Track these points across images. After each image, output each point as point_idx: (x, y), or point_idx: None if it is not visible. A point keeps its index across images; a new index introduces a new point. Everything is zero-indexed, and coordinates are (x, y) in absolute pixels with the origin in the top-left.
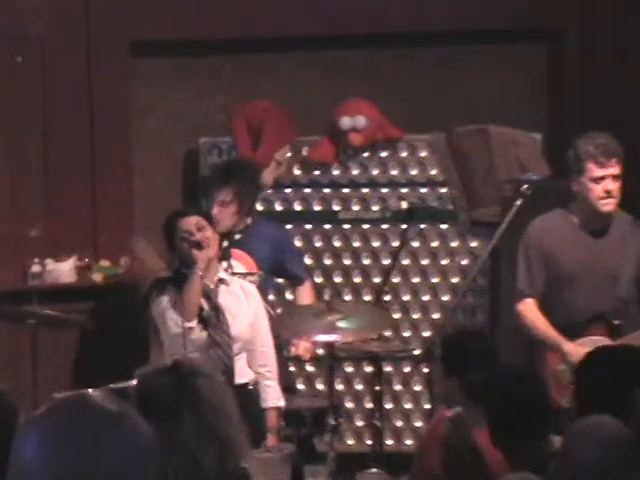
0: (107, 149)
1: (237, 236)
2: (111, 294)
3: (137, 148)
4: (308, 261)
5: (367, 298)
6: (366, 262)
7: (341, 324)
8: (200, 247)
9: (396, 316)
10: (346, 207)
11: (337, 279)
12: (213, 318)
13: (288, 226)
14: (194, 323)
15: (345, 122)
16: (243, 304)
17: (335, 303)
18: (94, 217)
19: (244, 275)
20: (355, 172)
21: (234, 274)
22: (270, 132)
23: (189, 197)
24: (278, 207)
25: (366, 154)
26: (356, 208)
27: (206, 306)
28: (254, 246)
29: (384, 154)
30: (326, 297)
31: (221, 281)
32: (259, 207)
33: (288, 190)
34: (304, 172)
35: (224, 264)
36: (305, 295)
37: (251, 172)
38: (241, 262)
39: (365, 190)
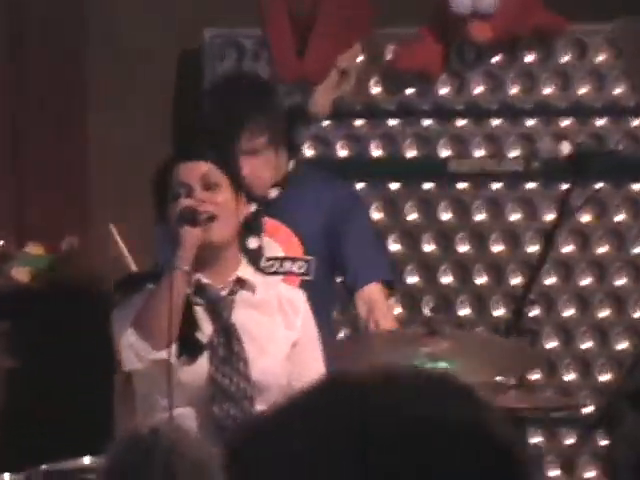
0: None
1: (272, 193)
2: (45, 302)
3: (94, 54)
4: (393, 246)
5: (497, 313)
6: (496, 248)
7: (448, 361)
8: (194, 220)
9: (550, 346)
10: (461, 152)
11: (444, 278)
12: (221, 349)
13: (358, 185)
14: (165, 354)
15: (460, 2)
16: (278, 325)
17: (439, 322)
18: (18, 181)
19: (280, 261)
20: (477, 91)
21: (259, 252)
22: (327, 21)
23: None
24: (341, 152)
25: (497, 59)
26: (479, 154)
27: (208, 327)
28: (298, 215)
29: (530, 59)
30: (424, 310)
31: (239, 283)
32: (307, 151)
33: (359, 122)
34: (388, 91)
35: (252, 242)
36: (382, 307)
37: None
38: (277, 239)
39: (496, 122)
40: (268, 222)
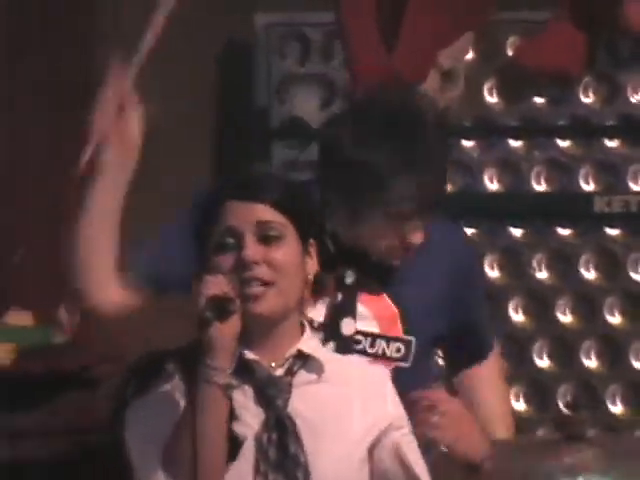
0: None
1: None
2: (35, 391)
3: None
4: (516, 316)
5: None
6: None
7: (596, 476)
8: (226, 312)
9: None
10: (614, 186)
11: (586, 360)
12: (272, 450)
13: (469, 230)
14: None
15: None
16: (354, 418)
17: (581, 422)
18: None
19: (372, 339)
20: (635, 99)
21: (353, 337)
22: (425, 1)
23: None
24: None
25: None
26: (638, 188)
27: (255, 419)
28: (408, 283)
29: None
30: (560, 404)
31: (300, 360)
32: None
33: (469, 143)
34: (509, 100)
35: (346, 326)
36: (494, 388)
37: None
38: (371, 309)
39: None
40: (364, 294)
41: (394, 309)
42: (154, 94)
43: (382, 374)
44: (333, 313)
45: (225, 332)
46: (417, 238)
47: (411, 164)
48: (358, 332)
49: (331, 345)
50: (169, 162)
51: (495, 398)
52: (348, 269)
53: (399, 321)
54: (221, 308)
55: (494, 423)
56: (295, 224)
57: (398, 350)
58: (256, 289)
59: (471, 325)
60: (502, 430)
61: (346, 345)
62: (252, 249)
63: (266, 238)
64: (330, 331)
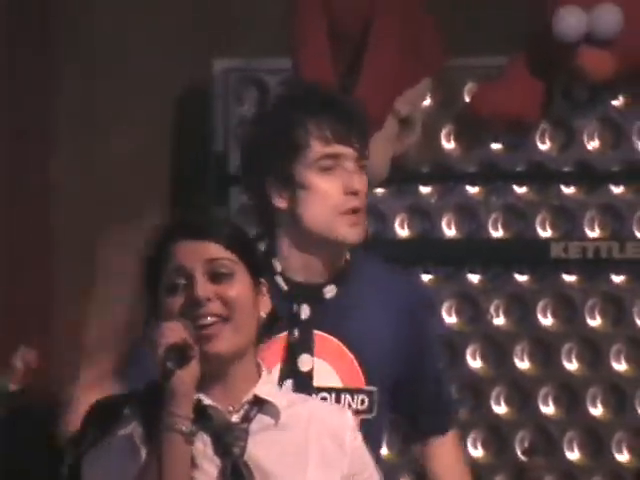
0: None
1: (328, 292)
2: None
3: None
4: (473, 363)
5: (621, 457)
6: (619, 366)
7: None
8: (186, 358)
9: None
10: (569, 232)
11: (544, 407)
12: None
13: (426, 276)
14: None
15: (569, 23)
16: (314, 465)
17: (538, 468)
18: None
19: (336, 394)
20: (591, 146)
21: (315, 390)
22: (383, 47)
23: (190, 192)
24: (402, 230)
25: (618, 102)
26: (594, 234)
27: (212, 468)
28: (359, 326)
29: None
30: (517, 450)
31: (257, 405)
32: None
33: (426, 189)
34: (466, 147)
35: (304, 362)
36: (451, 457)
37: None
38: (330, 361)
39: (618, 190)
40: (318, 336)
41: (353, 357)
42: (112, 135)
43: (342, 418)
44: (290, 350)
45: (186, 379)
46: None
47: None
48: (321, 388)
49: (289, 383)
50: (125, 206)
51: (459, 475)
52: (303, 304)
53: (360, 371)
54: (180, 355)
55: None
56: (245, 261)
57: (362, 402)
58: (212, 328)
59: (427, 383)
60: None
61: (304, 382)
62: (203, 286)
63: (217, 276)
64: (288, 369)
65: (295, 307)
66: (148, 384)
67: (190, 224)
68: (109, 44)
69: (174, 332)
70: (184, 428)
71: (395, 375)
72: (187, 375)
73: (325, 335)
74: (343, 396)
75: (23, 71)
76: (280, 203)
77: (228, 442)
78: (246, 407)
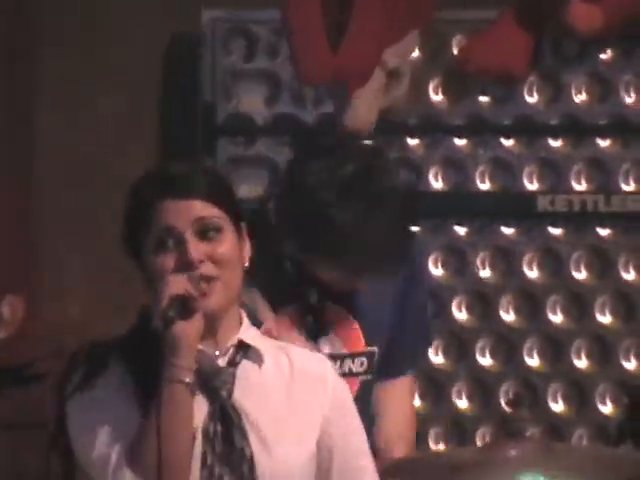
0: None
1: None
2: None
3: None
4: (459, 314)
5: (605, 409)
6: (604, 318)
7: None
8: (190, 310)
9: None
10: (556, 185)
11: (529, 358)
12: (217, 442)
13: (414, 227)
14: None
15: None
16: (300, 409)
17: (522, 420)
18: None
19: (341, 360)
20: (579, 99)
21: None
22: (370, 3)
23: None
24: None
25: (606, 56)
26: (581, 187)
27: (201, 410)
28: (362, 298)
29: None
30: (501, 402)
31: (242, 349)
32: None
33: (414, 141)
34: (454, 99)
35: (325, 346)
36: (393, 402)
37: None
38: (335, 328)
39: (605, 143)
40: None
41: (354, 323)
42: (100, 88)
43: (322, 364)
44: (310, 337)
45: (189, 331)
46: (363, 288)
47: (373, 226)
48: (329, 355)
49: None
50: (114, 156)
51: (402, 417)
52: (311, 288)
53: (360, 334)
54: (184, 307)
55: (396, 441)
56: (229, 214)
57: (362, 364)
58: (203, 286)
59: (405, 331)
60: (403, 449)
61: (313, 337)
62: (195, 248)
63: (206, 234)
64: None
65: (303, 291)
66: (132, 329)
67: (174, 180)
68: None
69: (179, 284)
70: (187, 379)
71: (391, 332)
72: (191, 327)
73: (332, 306)
74: (346, 361)
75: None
76: None
77: (216, 385)
78: (232, 351)
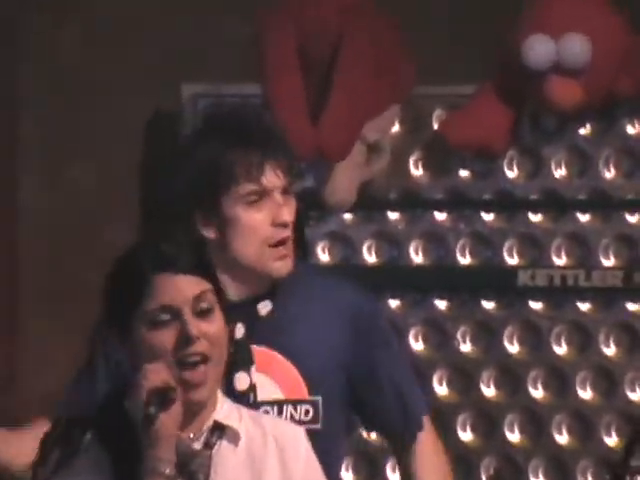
0: None
1: (262, 308)
2: None
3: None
4: (439, 388)
5: None
6: (584, 394)
7: None
8: (169, 401)
9: None
10: (536, 260)
11: (510, 434)
12: None
13: (393, 302)
14: None
15: (537, 52)
16: None
17: None
18: None
19: (279, 406)
20: (558, 174)
21: (255, 404)
22: (352, 73)
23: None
24: (369, 256)
25: (585, 131)
26: (560, 262)
27: None
28: (298, 336)
29: (632, 131)
30: (483, 476)
31: (218, 430)
32: (322, 254)
33: (394, 215)
34: (434, 174)
35: (240, 380)
36: (428, 459)
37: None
38: (272, 375)
39: (584, 218)
40: (257, 350)
41: (294, 369)
42: (80, 162)
43: (299, 435)
44: (226, 369)
45: (169, 423)
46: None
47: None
48: (263, 402)
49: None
50: (94, 226)
51: (434, 469)
52: (237, 322)
53: (302, 382)
54: (163, 399)
55: None
56: (217, 289)
57: (307, 413)
58: (197, 372)
59: (385, 386)
60: None
61: (242, 400)
62: (194, 325)
63: (201, 312)
64: (224, 388)
65: (230, 326)
66: (104, 405)
67: (166, 255)
68: (77, 72)
69: (157, 375)
70: (167, 471)
71: (343, 382)
72: (170, 419)
73: (265, 349)
74: (285, 407)
75: None
76: (209, 233)
77: (193, 469)
78: (206, 434)
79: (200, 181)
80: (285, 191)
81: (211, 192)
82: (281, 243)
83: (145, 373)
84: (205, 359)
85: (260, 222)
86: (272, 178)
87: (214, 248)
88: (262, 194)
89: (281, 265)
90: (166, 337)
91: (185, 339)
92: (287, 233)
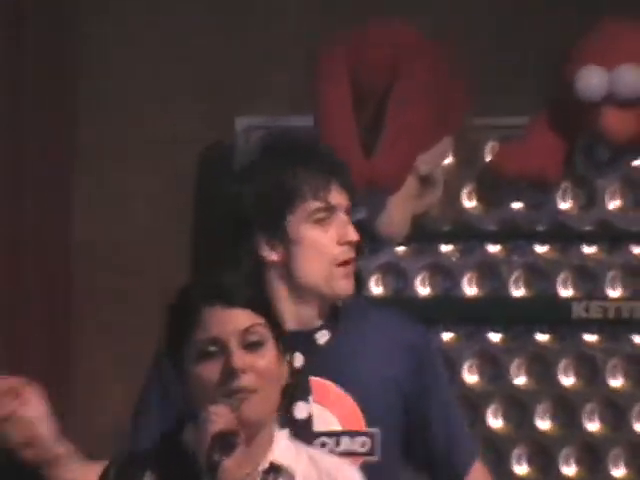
0: None
1: (320, 338)
2: None
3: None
4: (494, 422)
5: None
6: None
7: None
8: (232, 447)
9: None
10: (592, 292)
11: (565, 467)
12: None
13: (446, 335)
14: None
15: (590, 83)
16: None
17: None
18: None
19: (336, 438)
20: (613, 205)
21: (313, 435)
22: (408, 105)
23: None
24: (423, 288)
25: (639, 161)
26: (616, 294)
27: None
28: (356, 369)
29: None
30: None
31: (273, 471)
32: (374, 287)
33: (447, 247)
34: (487, 205)
35: (300, 410)
36: None
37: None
38: (329, 406)
39: (638, 249)
40: (314, 382)
41: (352, 401)
42: (134, 196)
43: (351, 474)
44: (285, 399)
45: (232, 468)
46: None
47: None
48: (321, 434)
49: (286, 432)
50: (149, 259)
51: None
52: (295, 352)
53: (360, 413)
54: (227, 444)
55: None
56: (271, 325)
57: (363, 445)
58: (243, 407)
59: (438, 421)
60: None
61: (301, 430)
62: (239, 358)
63: (250, 345)
64: (284, 417)
65: (288, 356)
66: (163, 441)
67: (220, 288)
68: (126, 106)
69: (221, 418)
70: None
71: (400, 415)
72: (234, 464)
73: (322, 380)
74: (344, 439)
75: (42, 133)
76: (272, 256)
77: None
78: (262, 476)
79: (266, 200)
80: (348, 212)
81: (277, 211)
82: (347, 263)
83: (209, 416)
84: (249, 392)
85: (327, 240)
86: (338, 197)
87: (276, 273)
88: (329, 212)
89: (346, 284)
90: (213, 370)
91: (229, 371)
92: (353, 253)
